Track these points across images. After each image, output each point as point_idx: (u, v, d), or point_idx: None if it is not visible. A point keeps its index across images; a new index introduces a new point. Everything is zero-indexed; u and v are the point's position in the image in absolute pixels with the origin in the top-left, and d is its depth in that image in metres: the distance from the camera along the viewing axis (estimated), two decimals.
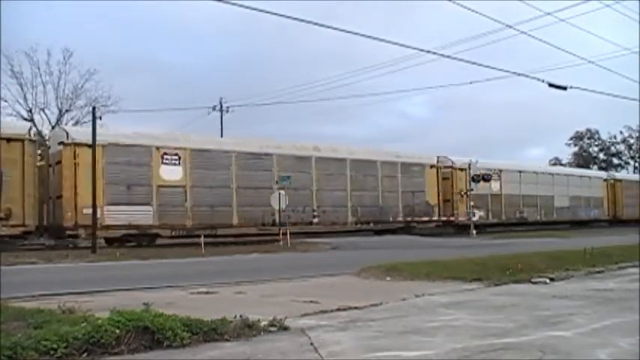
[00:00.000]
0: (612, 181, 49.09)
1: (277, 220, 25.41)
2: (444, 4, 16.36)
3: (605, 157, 74.14)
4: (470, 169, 33.58)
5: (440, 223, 34.10)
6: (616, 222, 46.26)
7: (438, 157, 34.83)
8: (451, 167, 35.03)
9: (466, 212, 33.89)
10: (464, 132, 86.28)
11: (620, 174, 58.75)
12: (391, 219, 31.64)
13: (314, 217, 28.49)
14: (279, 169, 27.12)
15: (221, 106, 47.09)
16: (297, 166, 28.00)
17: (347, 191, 29.91)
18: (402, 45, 16.02)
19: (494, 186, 36.78)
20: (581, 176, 46.94)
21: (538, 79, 19.27)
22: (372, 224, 30.96)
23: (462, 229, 33.58)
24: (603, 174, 52.16)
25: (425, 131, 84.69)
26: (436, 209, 33.91)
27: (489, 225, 36.27)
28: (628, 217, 46.49)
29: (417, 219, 32.81)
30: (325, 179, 29.18)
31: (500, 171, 37.62)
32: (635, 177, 55.89)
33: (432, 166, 34.16)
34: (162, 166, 24.29)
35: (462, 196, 33.93)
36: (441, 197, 34.25)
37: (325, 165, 29.38)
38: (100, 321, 5.27)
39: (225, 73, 72.07)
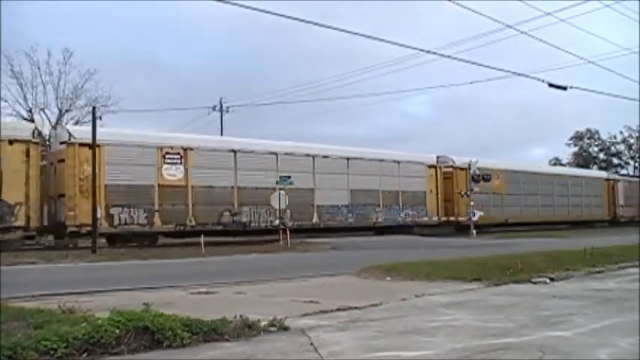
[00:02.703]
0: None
1: (277, 221, 25.44)
2: (445, 4, 16.37)
3: (605, 157, 74.15)
4: (470, 168, 33.47)
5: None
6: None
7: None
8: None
9: (466, 212, 33.66)
10: (466, 132, 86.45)
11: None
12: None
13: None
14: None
15: (221, 106, 47.16)
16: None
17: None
18: (401, 45, 16.05)
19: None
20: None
21: (538, 79, 19.30)
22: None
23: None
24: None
25: (427, 131, 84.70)
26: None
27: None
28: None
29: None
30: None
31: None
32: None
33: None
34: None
35: (462, 196, 33.75)
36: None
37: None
38: (100, 321, 5.27)
39: (226, 73, 72.20)
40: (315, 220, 28.44)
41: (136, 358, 4.98)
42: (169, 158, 24.42)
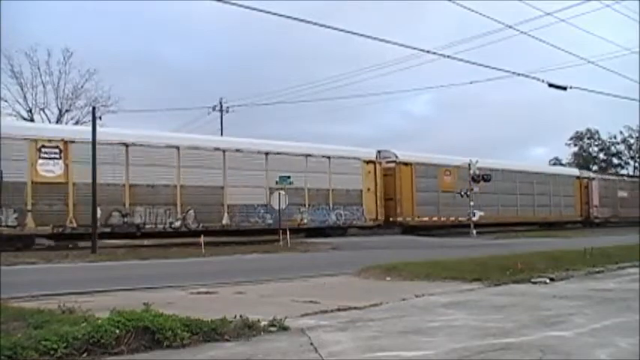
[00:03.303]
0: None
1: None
2: (445, 4, 16.38)
3: (605, 157, 74.20)
4: (470, 168, 33.08)
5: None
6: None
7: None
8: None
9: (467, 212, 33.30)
10: (467, 131, 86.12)
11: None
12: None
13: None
14: None
15: (221, 106, 47.16)
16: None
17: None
18: (401, 45, 16.06)
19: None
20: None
21: (538, 79, 19.31)
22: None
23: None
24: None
25: (427, 131, 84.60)
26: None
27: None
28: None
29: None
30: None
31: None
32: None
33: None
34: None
35: (463, 196, 33.20)
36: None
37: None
38: (100, 321, 5.27)
39: (226, 73, 72.13)
40: (225, 221, 25.57)
41: (136, 358, 4.98)
42: (46, 152, 21.78)
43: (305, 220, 28.36)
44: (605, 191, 46.75)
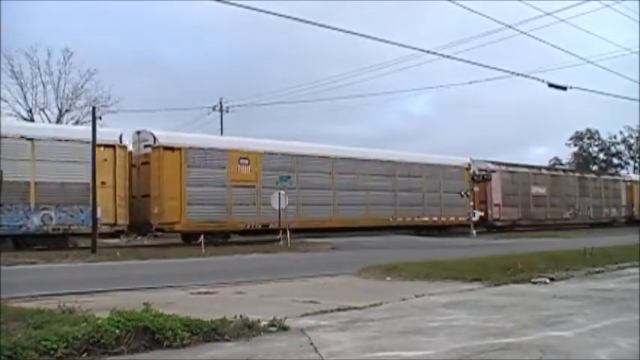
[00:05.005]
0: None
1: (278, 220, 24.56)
2: (445, 4, 16.38)
3: (605, 157, 74.22)
4: (470, 168, 32.82)
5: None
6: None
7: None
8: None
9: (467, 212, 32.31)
10: (467, 131, 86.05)
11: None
12: None
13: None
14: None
15: (221, 106, 47.12)
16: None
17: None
18: (401, 45, 16.06)
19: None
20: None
21: (538, 79, 19.30)
22: None
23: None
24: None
25: (428, 131, 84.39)
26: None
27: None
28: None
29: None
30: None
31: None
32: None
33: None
34: None
35: (462, 196, 32.38)
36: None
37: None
38: (100, 321, 5.27)
39: (226, 73, 72.13)
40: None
41: (136, 358, 4.98)
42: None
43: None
44: (512, 187, 38.06)
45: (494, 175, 36.07)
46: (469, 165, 34.82)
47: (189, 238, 24.62)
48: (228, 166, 25.26)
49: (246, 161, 25.73)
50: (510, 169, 39.05)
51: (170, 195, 23.72)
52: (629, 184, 50.11)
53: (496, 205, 36.69)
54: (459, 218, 33.28)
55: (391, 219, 30.57)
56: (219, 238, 24.70)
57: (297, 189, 26.81)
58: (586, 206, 44.53)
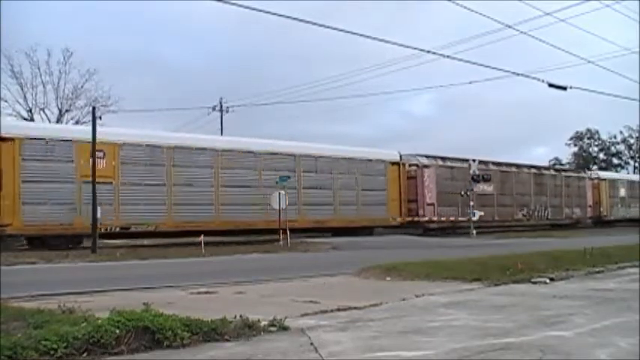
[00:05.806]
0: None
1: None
2: (445, 4, 16.38)
3: (605, 157, 74.22)
4: (470, 168, 32.58)
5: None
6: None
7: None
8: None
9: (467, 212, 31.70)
10: (467, 131, 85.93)
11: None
12: None
13: None
14: None
15: (221, 106, 47.15)
16: None
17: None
18: (401, 45, 16.07)
19: None
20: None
21: (538, 79, 19.32)
22: None
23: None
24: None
25: (428, 131, 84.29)
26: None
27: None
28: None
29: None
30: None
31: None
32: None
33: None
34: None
35: (462, 196, 31.83)
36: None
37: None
38: (100, 321, 5.27)
39: (226, 73, 72.13)
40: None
41: (136, 358, 4.98)
42: None
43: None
44: (451, 184, 33.31)
45: (426, 171, 31.66)
46: (397, 160, 31.14)
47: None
48: (77, 160, 21.67)
49: (102, 154, 21.70)
50: (449, 163, 34.11)
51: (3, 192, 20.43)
52: (595, 182, 46.40)
53: (429, 204, 32.07)
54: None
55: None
56: (68, 243, 21.49)
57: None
58: (543, 206, 40.40)
